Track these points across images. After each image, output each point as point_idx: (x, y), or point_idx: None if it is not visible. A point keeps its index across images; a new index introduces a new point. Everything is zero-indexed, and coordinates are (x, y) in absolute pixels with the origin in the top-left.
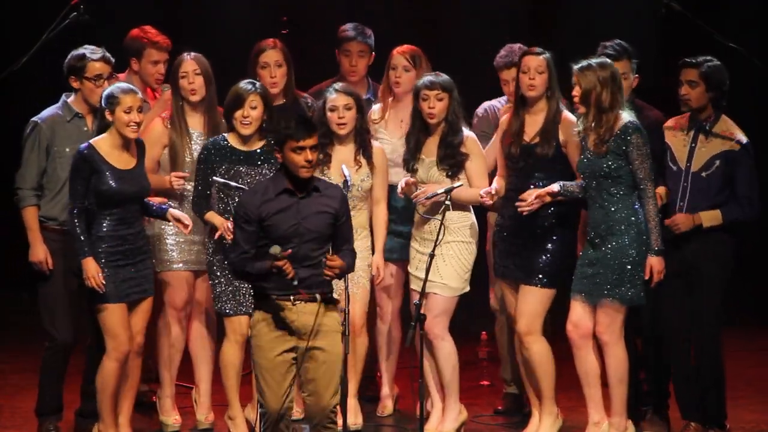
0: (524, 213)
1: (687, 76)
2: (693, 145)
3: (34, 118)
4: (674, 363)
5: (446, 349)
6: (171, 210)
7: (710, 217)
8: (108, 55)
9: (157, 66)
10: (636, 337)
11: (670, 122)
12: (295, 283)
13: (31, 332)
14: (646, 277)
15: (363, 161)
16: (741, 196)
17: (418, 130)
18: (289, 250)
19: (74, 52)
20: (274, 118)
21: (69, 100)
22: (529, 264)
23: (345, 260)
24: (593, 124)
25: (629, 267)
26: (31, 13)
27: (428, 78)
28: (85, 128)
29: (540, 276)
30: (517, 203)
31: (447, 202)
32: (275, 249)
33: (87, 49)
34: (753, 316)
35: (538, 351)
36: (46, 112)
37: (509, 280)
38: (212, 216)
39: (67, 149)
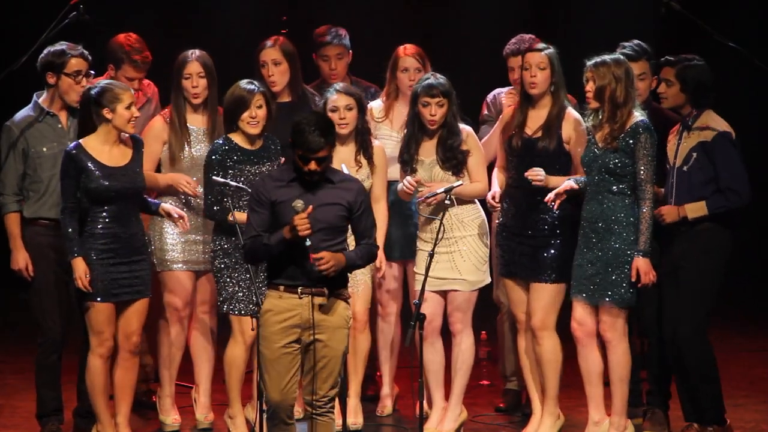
0: (534, 183)
1: (665, 74)
2: (679, 141)
3: (7, 122)
4: (674, 363)
5: (466, 346)
6: (163, 205)
7: (694, 209)
8: (86, 52)
9: (131, 83)
10: (638, 338)
11: (676, 126)
12: (308, 243)
13: (31, 332)
14: (633, 279)
15: (363, 161)
16: (723, 187)
17: (417, 132)
18: (311, 208)
19: (51, 48)
20: (274, 116)
21: (39, 100)
22: (537, 261)
23: (347, 254)
24: (607, 120)
25: (627, 268)
26: (30, 12)
27: (427, 83)
28: (60, 125)
29: (549, 272)
30: (528, 175)
31: (447, 201)
32: (298, 203)
33: (65, 45)
34: (753, 316)
35: (550, 348)
36: (18, 114)
37: (516, 279)
38: (239, 214)
39: (45, 149)
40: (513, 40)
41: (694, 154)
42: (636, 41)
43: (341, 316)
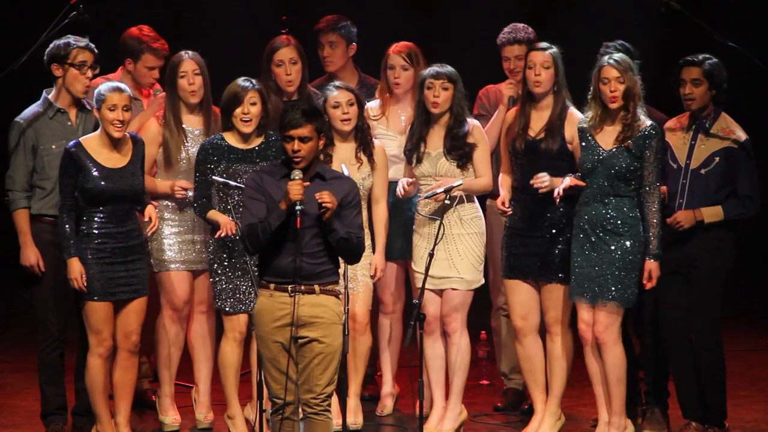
0: (542, 191)
1: (690, 74)
2: (693, 142)
3: (17, 118)
4: (674, 361)
5: (463, 345)
6: (148, 207)
7: (711, 213)
8: (92, 45)
9: (152, 71)
10: (634, 337)
11: (670, 122)
12: (298, 208)
13: (31, 332)
14: (645, 281)
15: (364, 159)
16: (742, 194)
17: (422, 122)
18: (308, 183)
19: (57, 41)
20: (270, 116)
21: (49, 96)
22: (547, 262)
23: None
24: (630, 120)
25: (630, 268)
26: (31, 12)
27: (434, 68)
28: (69, 123)
29: (559, 272)
30: (534, 183)
31: (447, 201)
32: (295, 172)
33: (71, 38)
34: (753, 315)
35: (563, 345)
36: (28, 111)
37: (523, 280)
38: (215, 214)
39: (54, 146)
40: (507, 29)
41: (717, 159)
42: (620, 41)
43: (334, 312)
